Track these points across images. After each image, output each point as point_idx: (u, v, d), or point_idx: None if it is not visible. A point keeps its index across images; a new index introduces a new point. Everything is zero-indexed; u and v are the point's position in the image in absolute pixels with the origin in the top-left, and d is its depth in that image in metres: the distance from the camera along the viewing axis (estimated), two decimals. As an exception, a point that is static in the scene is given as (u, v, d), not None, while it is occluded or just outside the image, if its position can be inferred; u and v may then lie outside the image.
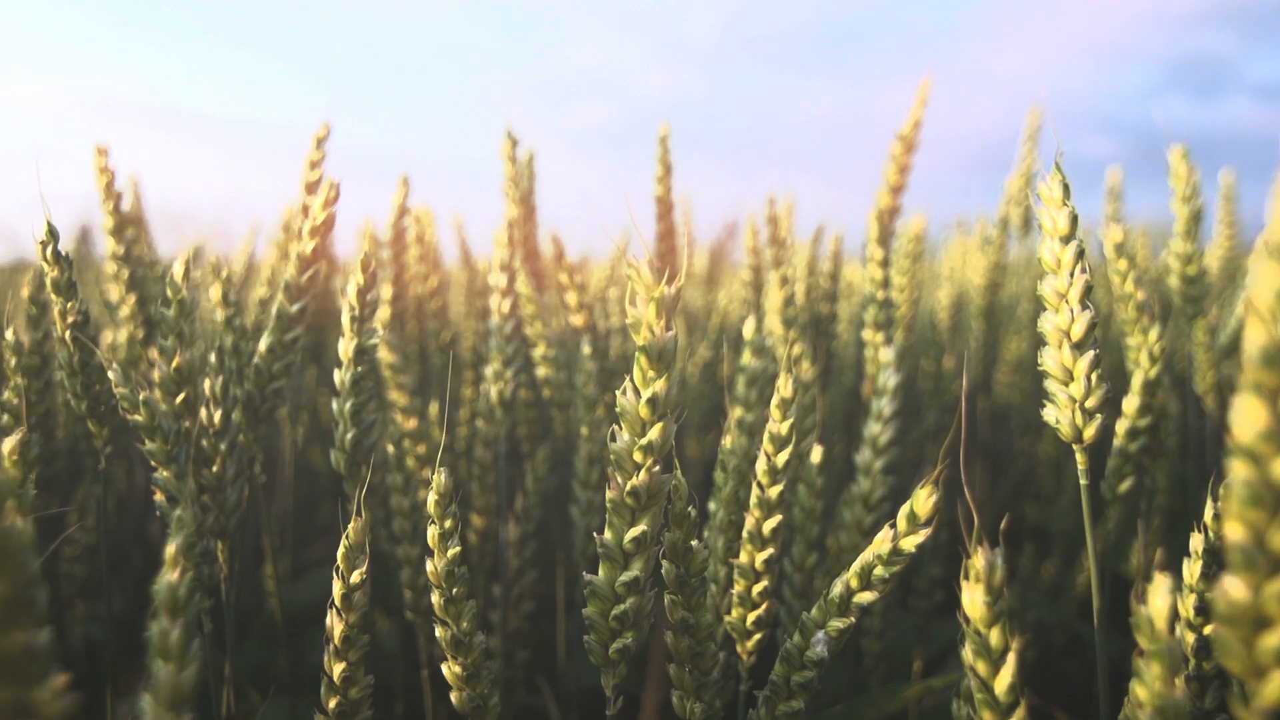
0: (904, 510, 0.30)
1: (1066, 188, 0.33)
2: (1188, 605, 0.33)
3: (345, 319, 0.44)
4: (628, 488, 0.30)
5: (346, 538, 0.36)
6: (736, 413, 0.52)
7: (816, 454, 0.46)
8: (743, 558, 0.39)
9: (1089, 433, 0.32)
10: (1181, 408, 0.52)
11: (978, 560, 0.25)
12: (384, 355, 0.60)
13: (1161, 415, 0.44)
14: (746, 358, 0.52)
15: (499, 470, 0.55)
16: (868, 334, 0.66)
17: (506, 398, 0.54)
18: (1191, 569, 0.33)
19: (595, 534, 0.31)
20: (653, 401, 0.30)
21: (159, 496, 0.45)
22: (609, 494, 0.31)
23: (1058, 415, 0.33)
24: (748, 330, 0.51)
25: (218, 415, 0.46)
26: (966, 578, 0.25)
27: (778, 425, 0.38)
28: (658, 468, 0.30)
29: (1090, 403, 0.32)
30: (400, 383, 0.59)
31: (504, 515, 0.55)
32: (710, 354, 0.86)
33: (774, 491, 0.39)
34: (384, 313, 0.65)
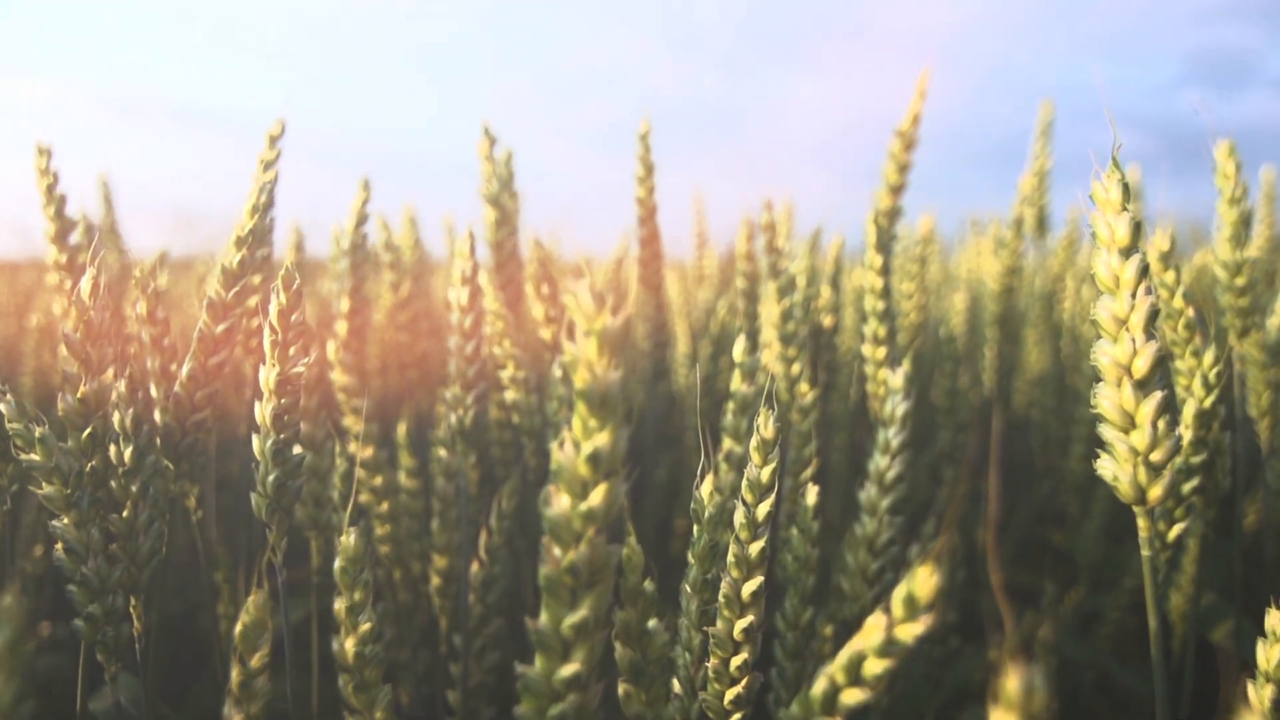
0: (899, 593, 0.24)
1: (1126, 188, 0.27)
2: (1264, 697, 0.27)
3: (266, 344, 0.38)
4: (565, 563, 0.24)
5: (246, 612, 0.30)
6: (725, 444, 0.46)
7: (812, 494, 0.40)
8: (719, 625, 0.33)
9: (1155, 492, 0.26)
10: (1231, 435, 0.46)
11: (1012, 682, 0.19)
12: (338, 377, 0.54)
13: (1216, 451, 0.38)
14: (736, 382, 0.46)
15: (461, 504, 0.50)
16: (868, 349, 0.60)
17: (466, 426, 0.48)
18: (1269, 654, 0.27)
19: (528, 620, 0.25)
20: (595, 458, 0.24)
21: (59, 548, 0.39)
22: (542, 570, 0.25)
23: (1116, 470, 0.27)
24: (738, 352, 0.45)
25: (129, 452, 0.41)
26: (996, 701, 0.19)
27: (758, 470, 0.32)
28: (602, 537, 0.24)
29: (1157, 455, 0.26)
30: (355, 406, 0.54)
31: (467, 555, 0.49)
32: (709, 367, 0.80)
33: (755, 548, 0.33)
34: (341, 328, 0.59)
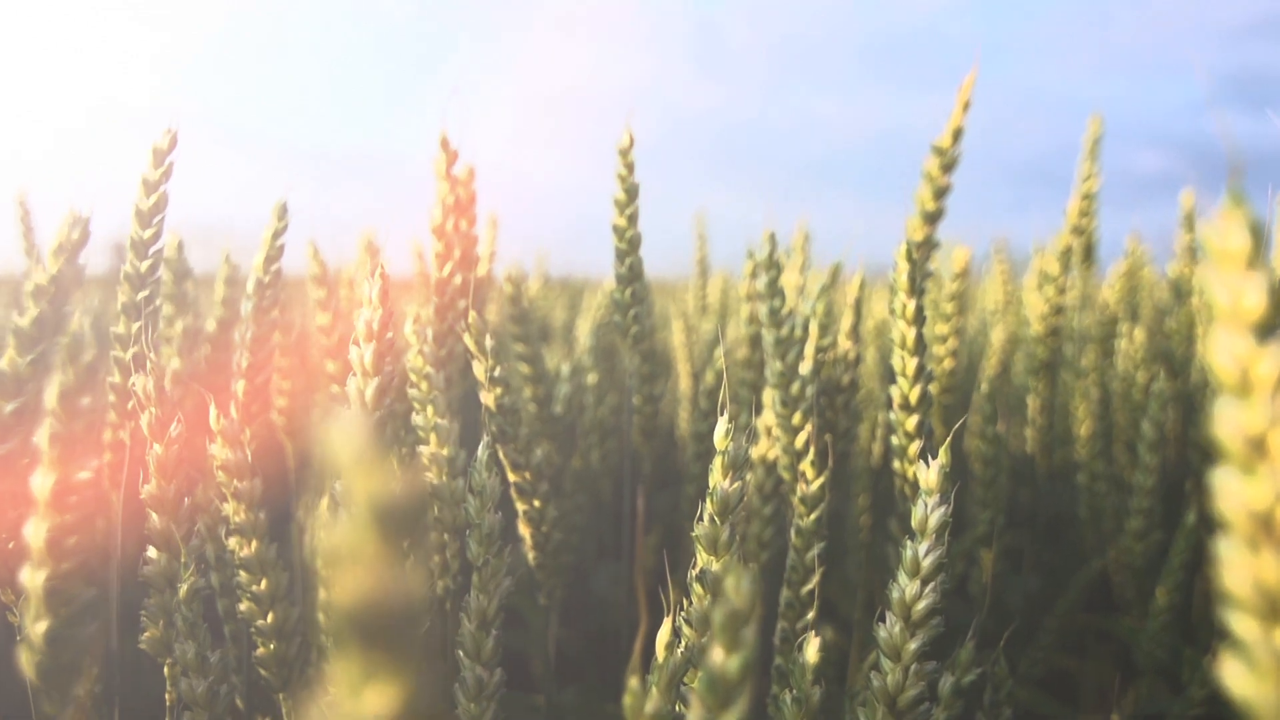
0: None
1: (1257, 234, 0.15)
2: None
3: (43, 438, 0.27)
4: None
5: None
6: (700, 557, 0.35)
7: (812, 649, 0.29)
8: None
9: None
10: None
11: None
12: (220, 451, 0.43)
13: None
14: (716, 476, 0.34)
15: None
16: (898, 416, 0.48)
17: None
18: None
19: None
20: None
21: None
22: None
23: (1252, 684, 0.16)
24: (719, 437, 0.34)
25: None
26: None
27: (723, 659, 0.21)
28: None
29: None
30: (239, 489, 0.43)
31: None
32: (702, 426, 0.68)
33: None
34: (239, 387, 0.48)
